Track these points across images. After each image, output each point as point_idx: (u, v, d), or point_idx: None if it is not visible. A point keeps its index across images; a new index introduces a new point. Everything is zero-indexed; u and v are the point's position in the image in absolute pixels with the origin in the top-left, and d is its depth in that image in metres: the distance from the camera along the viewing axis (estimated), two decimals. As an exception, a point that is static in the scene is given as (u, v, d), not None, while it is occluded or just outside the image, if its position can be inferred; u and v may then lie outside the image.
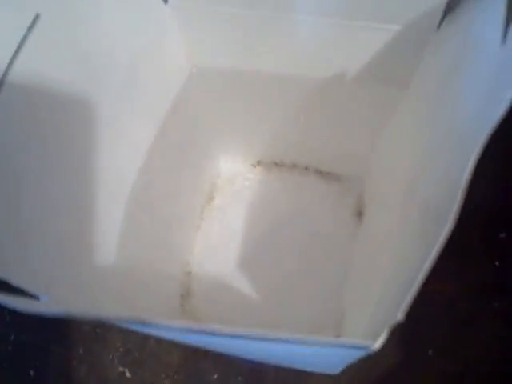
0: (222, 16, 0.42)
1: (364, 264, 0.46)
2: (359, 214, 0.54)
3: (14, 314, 0.57)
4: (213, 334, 0.20)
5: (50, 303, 0.22)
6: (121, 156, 0.40)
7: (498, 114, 0.22)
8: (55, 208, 0.35)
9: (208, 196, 0.57)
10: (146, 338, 0.55)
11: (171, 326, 0.21)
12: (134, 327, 0.26)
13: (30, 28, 0.33)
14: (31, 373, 0.55)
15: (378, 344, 0.24)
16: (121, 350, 0.55)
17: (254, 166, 0.58)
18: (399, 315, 0.24)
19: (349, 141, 0.51)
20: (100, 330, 0.56)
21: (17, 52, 0.33)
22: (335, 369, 0.38)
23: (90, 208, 0.38)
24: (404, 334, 0.53)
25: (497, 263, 0.55)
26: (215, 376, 0.54)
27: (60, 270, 0.34)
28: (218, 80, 0.48)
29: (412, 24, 0.39)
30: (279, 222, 0.55)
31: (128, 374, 0.54)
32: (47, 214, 0.34)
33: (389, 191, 0.43)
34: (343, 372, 0.49)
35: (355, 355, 0.27)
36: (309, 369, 0.47)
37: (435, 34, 0.39)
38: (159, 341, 0.55)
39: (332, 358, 0.28)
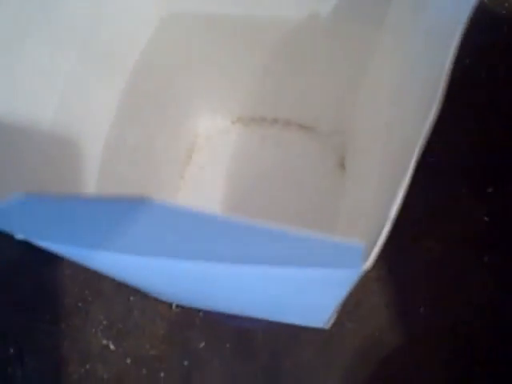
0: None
1: (349, 211, 0.45)
2: (342, 165, 0.53)
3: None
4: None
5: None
6: (92, 103, 0.39)
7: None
8: (28, 160, 0.34)
9: (187, 155, 0.55)
10: (130, 309, 0.54)
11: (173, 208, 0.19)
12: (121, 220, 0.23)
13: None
14: (11, 350, 0.53)
15: (372, 245, 0.23)
16: (104, 322, 0.54)
17: (233, 122, 0.57)
18: (390, 217, 0.22)
19: (329, 91, 0.50)
20: (82, 304, 0.55)
21: None
22: (323, 312, 0.37)
23: (66, 158, 0.37)
24: (395, 293, 0.52)
25: (486, 218, 0.54)
26: (202, 344, 0.52)
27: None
28: (189, 27, 0.46)
29: None
30: (262, 177, 0.54)
31: (112, 347, 0.53)
32: (23, 167, 0.33)
33: (370, 137, 0.42)
34: (334, 326, 0.48)
35: (346, 275, 0.26)
36: (293, 317, 0.45)
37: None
38: (143, 311, 0.54)
39: (320, 277, 0.27)
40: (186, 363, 0.52)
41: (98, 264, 0.34)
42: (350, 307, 0.52)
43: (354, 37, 0.44)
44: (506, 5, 0.65)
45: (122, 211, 0.21)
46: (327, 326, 0.47)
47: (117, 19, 0.41)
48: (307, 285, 0.29)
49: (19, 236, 0.28)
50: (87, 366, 0.52)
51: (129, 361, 0.52)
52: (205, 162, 0.56)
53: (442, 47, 0.24)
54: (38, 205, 0.21)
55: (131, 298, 0.54)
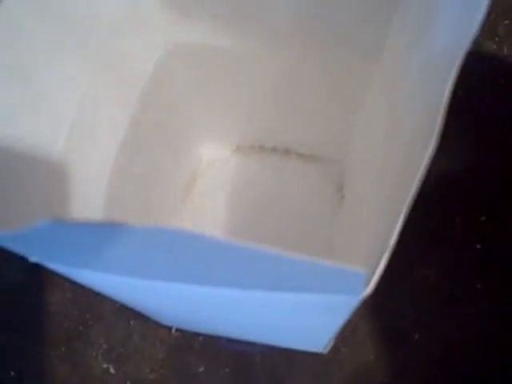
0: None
1: (347, 238, 0.47)
2: (341, 193, 0.55)
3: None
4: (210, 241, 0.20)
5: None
6: (100, 130, 0.40)
7: (470, 36, 0.23)
8: (40, 185, 0.35)
9: (189, 182, 0.57)
10: (130, 333, 0.55)
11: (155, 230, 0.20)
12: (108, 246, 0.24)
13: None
14: (12, 373, 0.54)
15: (373, 271, 0.24)
16: (104, 346, 0.54)
17: (233, 151, 0.58)
18: (390, 244, 0.24)
19: (327, 121, 0.51)
20: (83, 328, 0.55)
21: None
22: (322, 337, 0.38)
23: (74, 184, 0.38)
24: (390, 319, 0.53)
25: (478, 246, 0.55)
26: (201, 369, 0.53)
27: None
28: (194, 58, 0.48)
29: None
30: (262, 204, 0.55)
31: (112, 370, 0.53)
32: (35, 192, 0.34)
33: (367, 166, 0.43)
34: (331, 351, 0.49)
35: (346, 301, 0.27)
36: (292, 341, 0.46)
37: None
38: (143, 336, 0.54)
39: (321, 303, 0.28)
40: (185, 387, 0.52)
41: (105, 287, 0.35)
42: (347, 333, 0.53)
43: (352, 71, 0.46)
44: (497, 39, 0.68)
45: (123, 236, 0.22)
46: (325, 351, 0.48)
47: (125, 50, 0.43)
48: (308, 310, 0.30)
49: (33, 259, 0.29)
50: (87, 390, 0.53)
51: (129, 384, 0.53)
52: (206, 189, 0.57)
53: (437, 82, 0.26)
54: (61, 230, 0.22)
55: (131, 322, 0.55)
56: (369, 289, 0.25)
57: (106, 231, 0.22)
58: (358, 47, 0.43)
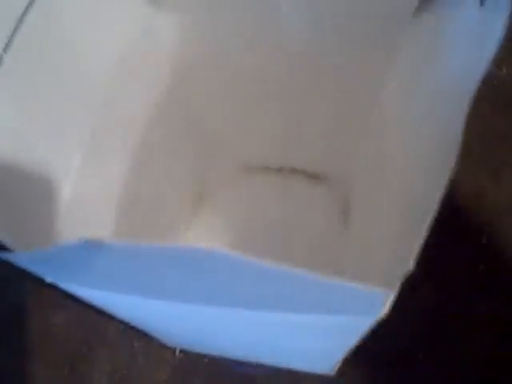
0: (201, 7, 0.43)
1: (354, 258, 0.47)
2: (347, 212, 0.55)
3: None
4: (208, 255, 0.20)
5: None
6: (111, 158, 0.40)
7: (482, 67, 0.23)
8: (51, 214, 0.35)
9: (195, 204, 0.57)
10: (134, 355, 0.54)
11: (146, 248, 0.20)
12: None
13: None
14: (15, 397, 0.53)
15: (394, 292, 0.24)
16: (108, 368, 0.54)
17: (239, 172, 0.58)
18: (410, 264, 0.24)
19: (333, 140, 0.52)
20: (86, 350, 0.55)
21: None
22: (332, 357, 0.38)
23: (83, 213, 0.38)
24: (393, 339, 0.53)
25: (481, 267, 0.55)
26: (205, 390, 0.53)
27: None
28: (199, 81, 0.48)
29: (387, 13, 0.40)
30: (268, 225, 0.55)
31: (116, 393, 0.53)
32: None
33: (374, 187, 0.44)
34: (336, 373, 0.49)
35: (363, 322, 0.27)
36: (300, 363, 0.46)
37: (411, 24, 0.39)
38: (147, 357, 0.54)
39: (337, 324, 0.28)
40: (188, 410, 0.52)
41: (116, 308, 0.35)
42: (350, 354, 0.52)
43: (359, 89, 0.46)
44: (495, 59, 0.68)
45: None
46: (333, 373, 0.48)
47: (132, 78, 0.43)
48: (323, 331, 0.30)
49: (49, 279, 0.29)
50: (91, 413, 0.52)
51: (132, 407, 0.52)
52: (212, 210, 0.57)
53: (451, 106, 0.26)
54: (84, 252, 0.22)
55: (135, 344, 0.55)
56: (385, 309, 0.25)
57: (121, 252, 0.23)
58: (367, 67, 0.44)
